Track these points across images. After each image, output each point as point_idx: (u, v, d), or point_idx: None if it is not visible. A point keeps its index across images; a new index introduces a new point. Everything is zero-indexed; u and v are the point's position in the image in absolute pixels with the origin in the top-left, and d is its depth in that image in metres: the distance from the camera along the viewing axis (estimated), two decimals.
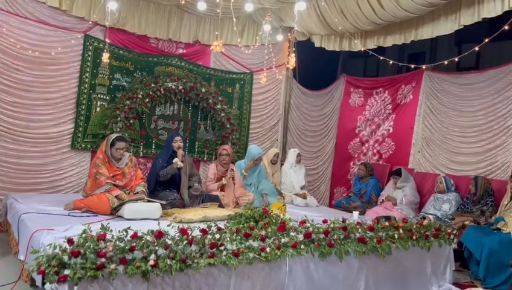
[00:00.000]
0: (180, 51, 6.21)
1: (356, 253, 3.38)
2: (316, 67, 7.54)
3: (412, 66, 5.93)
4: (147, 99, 5.62)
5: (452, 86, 5.79)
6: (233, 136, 6.38)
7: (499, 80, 5.27)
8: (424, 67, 5.97)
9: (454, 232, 4.17)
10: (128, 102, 5.47)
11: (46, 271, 2.23)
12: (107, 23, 4.96)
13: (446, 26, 5.14)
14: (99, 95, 5.46)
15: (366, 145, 6.95)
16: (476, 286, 4.15)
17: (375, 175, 6.31)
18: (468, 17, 4.83)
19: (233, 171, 5.10)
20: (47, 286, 2.40)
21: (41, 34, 5.03)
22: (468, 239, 4.41)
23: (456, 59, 5.40)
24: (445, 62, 5.45)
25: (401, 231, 3.67)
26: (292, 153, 6.34)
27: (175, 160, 4.51)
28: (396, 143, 6.51)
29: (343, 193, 7.07)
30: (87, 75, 5.38)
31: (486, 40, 4.77)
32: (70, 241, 2.37)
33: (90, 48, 5.38)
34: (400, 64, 6.10)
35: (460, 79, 5.76)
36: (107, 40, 5.25)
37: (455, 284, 4.08)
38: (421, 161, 6.09)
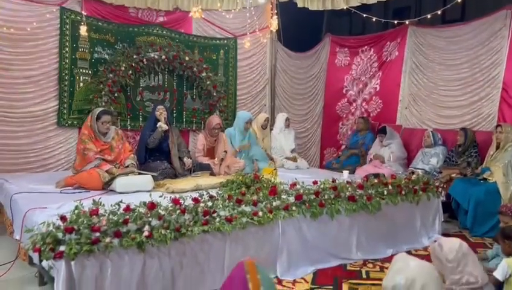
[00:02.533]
0: (161, 19, 6.05)
1: (347, 211, 3.46)
2: (300, 28, 7.41)
3: (395, 21, 5.86)
4: (130, 71, 5.53)
5: (436, 39, 5.76)
6: (221, 104, 6.33)
7: (482, 31, 5.25)
8: (407, 22, 5.91)
9: (442, 185, 4.27)
10: (111, 75, 5.36)
11: (42, 248, 2.25)
12: None
13: None
14: (81, 70, 5.35)
15: (354, 104, 6.96)
16: (464, 235, 4.30)
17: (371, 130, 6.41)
18: None
19: (225, 152, 5.12)
20: (44, 262, 2.44)
21: (14, 9, 4.85)
22: (456, 191, 4.53)
23: (439, 12, 5.35)
24: (428, 16, 5.40)
25: (390, 187, 3.75)
26: (281, 118, 6.35)
27: (159, 124, 4.55)
28: (384, 101, 6.53)
29: (333, 153, 7.14)
30: (67, 50, 5.24)
31: None
32: (63, 218, 2.39)
33: (68, 21, 5.22)
34: (383, 20, 6.03)
35: (444, 32, 5.73)
36: (83, 12, 5.10)
37: (444, 234, 4.20)
38: (408, 117, 6.14)
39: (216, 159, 5.08)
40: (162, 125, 4.55)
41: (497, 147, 4.61)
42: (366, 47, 6.77)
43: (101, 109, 4.31)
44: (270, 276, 1.30)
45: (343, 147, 6.85)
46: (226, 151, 5.13)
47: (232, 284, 1.25)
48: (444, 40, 5.67)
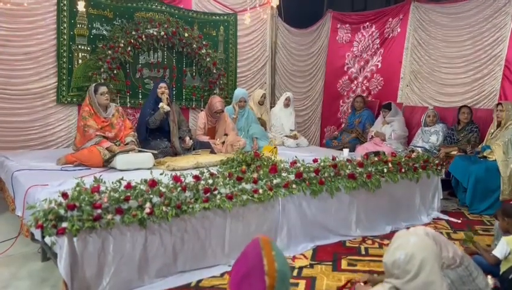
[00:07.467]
0: None
1: (347, 189, 3.47)
2: (301, 4, 7.29)
3: None
4: (129, 48, 5.46)
5: (440, 16, 5.68)
6: (221, 82, 6.28)
7: (487, 7, 5.18)
8: None
9: (443, 163, 4.28)
10: (110, 52, 5.30)
11: (44, 225, 2.27)
12: None
13: None
14: (79, 46, 5.29)
15: (355, 82, 6.92)
16: (462, 212, 4.33)
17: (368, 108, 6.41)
18: None
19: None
20: (46, 239, 2.46)
21: None
22: (456, 168, 4.54)
23: None
24: None
25: (390, 165, 3.75)
26: (282, 96, 6.35)
27: (160, 104, 4.47)
28: (385, 78, 6.49)
29: (334, 131, 7.14)
30: (65, 25, 5.16)
31: None
32: (64, 195, 2.39)
33: None
34: None
35: (448, 8, 5.64)
36: None
37: (443, 211, 4.25)
38: (409, 94, 6.11)
39: (218, 139, 5.05)
40: (164, 106, 4.45)
41: (498, 125, 4.60)
42: (367, 23, 6.68)
43: (94, 84, 4.30)
44: (284, 253, 1.30)
45: (343, 125, 6.83)
46: (226, 134, 5.10)
47: (246, 260, 1.26)
48: (448, 16, 5.60)
